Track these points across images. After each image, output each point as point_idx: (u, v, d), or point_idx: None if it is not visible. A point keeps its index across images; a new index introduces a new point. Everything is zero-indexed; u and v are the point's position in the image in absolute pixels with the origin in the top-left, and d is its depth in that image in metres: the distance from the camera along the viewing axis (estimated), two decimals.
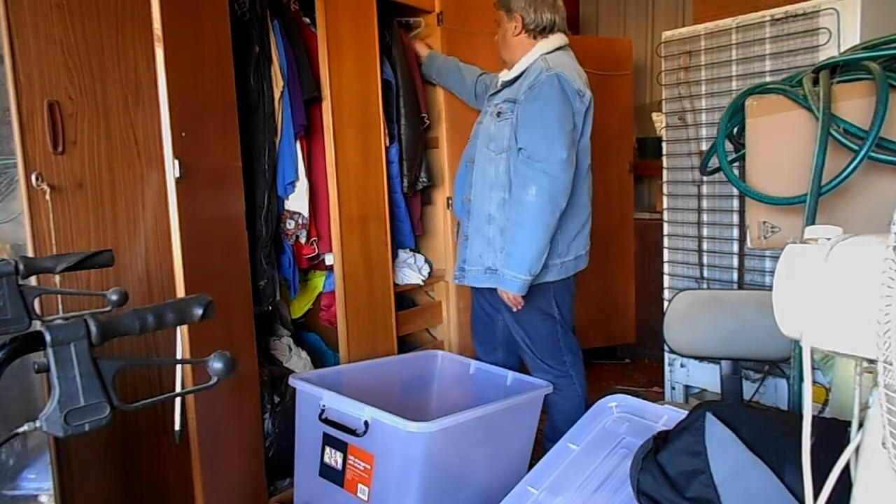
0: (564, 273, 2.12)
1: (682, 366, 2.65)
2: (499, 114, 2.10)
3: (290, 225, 2.28)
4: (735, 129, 1.59)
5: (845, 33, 2.09)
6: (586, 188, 2.17)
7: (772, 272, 1.76)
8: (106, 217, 1.78)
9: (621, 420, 1.66)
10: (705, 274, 2.60)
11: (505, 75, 2.18)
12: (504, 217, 2.07)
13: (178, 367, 1.54)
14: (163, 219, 1.82)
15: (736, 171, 1.55)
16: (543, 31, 2.11)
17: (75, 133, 1.70)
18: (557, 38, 2.13)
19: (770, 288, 0.82)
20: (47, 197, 1.63)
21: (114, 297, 1.15)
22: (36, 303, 1.16)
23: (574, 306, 2.26)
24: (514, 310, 2.11)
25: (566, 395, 2.18)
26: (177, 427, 1.59)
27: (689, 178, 2.62)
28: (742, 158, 1.53)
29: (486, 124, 2.16)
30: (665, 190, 2.72)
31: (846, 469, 0.77)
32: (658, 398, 2.73)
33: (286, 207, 2.27)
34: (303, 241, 2.31)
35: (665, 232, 2.73)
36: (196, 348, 1.71)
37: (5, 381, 0.75)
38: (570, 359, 2.20)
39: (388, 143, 2.53)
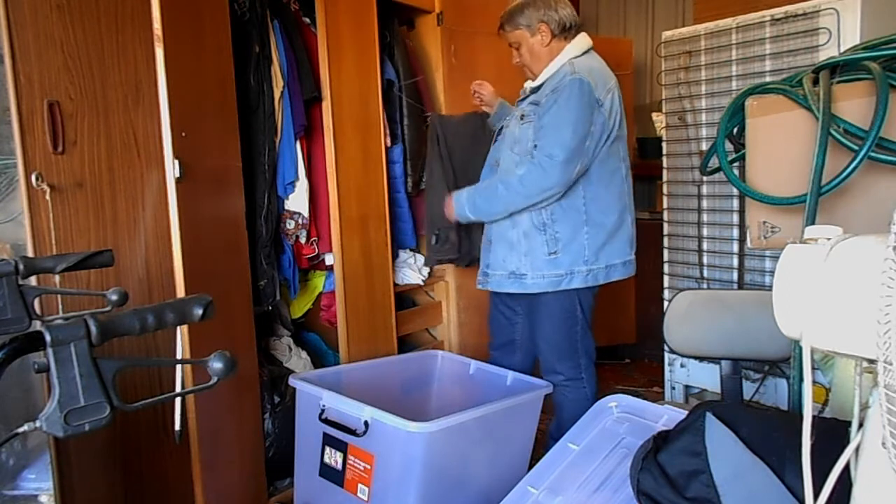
0: (592, 281, 2.07)
1: (682, 366, 2.65)
2: (522, 117, 2.09)
3: (290, 225, 2.28)
4: (735, 129, 1.59)
5: (845, 33, 2.09)
6: (616, 193, 2.10)
7: (772, 272, 1.76)
8: (106, 217, 1.78)
9: (621, 420, 1.66)
10: (705, 274, 2.59)
11: (532, 82, 2.16)
12: (528, 220, 2.06)
13: (178, 367, 1.53)
14: (163, 219, 1.82)
15: (736, 171, 1.55)
16: (570, 29, 2.09)
17: (75, 133, 1.70)
18: (583, 41, 2.10)
19: (770, 288, 0.82)
20: (47, 197, 1.63)
21: (114, 297, 1.15)
22: (36, 303, 1.16)
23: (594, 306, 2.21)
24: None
25: (576, 397, 2.14)
26: (177, 427, 1.59)
27: (689, 178, 2.61)
28: (742, 158, 1.53)
29: (512, 128, 2.14)
30: (665, 190, 2.72)
31: (846, 469, 0.76)
32: (658, 398, 2.73)
33: (286, 207, 2.27)
34: (303, 241, 2.31)
35: (665, 232, 2.73)
36: (196, 348, 1.71)
37: (5, 381, 0.75)
38: (585, 361, 2.17)
39: (390, 144, 2.53)
